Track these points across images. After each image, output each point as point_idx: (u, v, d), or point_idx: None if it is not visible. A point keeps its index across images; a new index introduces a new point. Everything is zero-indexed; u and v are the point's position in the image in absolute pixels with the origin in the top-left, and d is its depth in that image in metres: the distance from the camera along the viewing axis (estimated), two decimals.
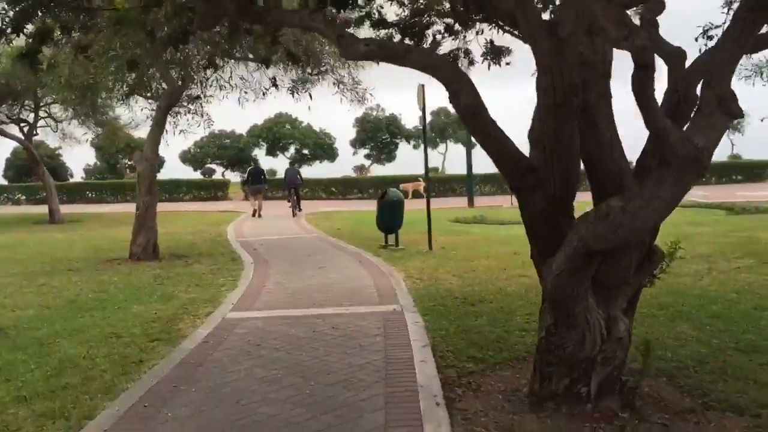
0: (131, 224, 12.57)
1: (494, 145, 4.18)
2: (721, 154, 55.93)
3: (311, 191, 33.92)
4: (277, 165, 55.01)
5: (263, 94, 14.00)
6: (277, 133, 53.77)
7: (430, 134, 56.70)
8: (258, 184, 23.76)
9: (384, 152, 58.10)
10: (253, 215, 23.08)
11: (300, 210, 23.89)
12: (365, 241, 14.16)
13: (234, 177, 58.27)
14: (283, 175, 27.89)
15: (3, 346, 6.03)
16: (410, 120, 61.07)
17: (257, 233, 17.36)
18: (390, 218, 12.57)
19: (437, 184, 33.28)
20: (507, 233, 14.72)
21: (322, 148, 56.76)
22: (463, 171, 32.17)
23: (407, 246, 12.73)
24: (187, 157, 56.38)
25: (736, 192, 27.28)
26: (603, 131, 4.12)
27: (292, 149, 56.79)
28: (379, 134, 56.62)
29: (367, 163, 58.18)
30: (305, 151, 57.17)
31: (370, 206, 29.36)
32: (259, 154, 57.69)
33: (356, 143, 57.88)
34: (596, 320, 3.98)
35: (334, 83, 13.97)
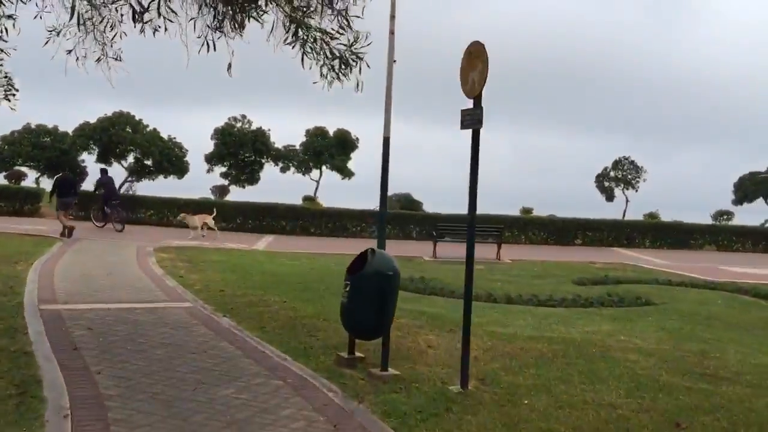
0: None
1: None
2: (622, 212, 56.05)
3: (157, 215, 26.41)
4: (111, 175, 45.55)
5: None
6: (113, 135, 44.58)
7: (303, 157, 51.00)
8: (68, 197, 20.35)
9: (245, 172, 51.09)
10: (62, 235, 18.94)
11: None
12: (296, 335, 8.13)
13: (49, 186, 47.78)
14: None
15: None
16: (281, 137, 54.73)
17: (78, 290, 10.39)
18: (377, 311, 6.60)
19: (318, 218, 27.37)
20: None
21: (170, 159, 48.40)
22: (342, 202, 27.28)
23: (399, 365, 6.88)
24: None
25: (718, 266, 22.74)
26: None
27: (131, 157, 47.76)
28: (241, 150, 49.59)
29: (225, 182, 50.72)
30: (147, 162, 48.40)
31: (244, 241, 23.12)
32: (88, 159, 47.92)
33: (213, 158, 50.24)
34: None
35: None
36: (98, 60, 8.25)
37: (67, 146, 45.50)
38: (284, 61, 7.89)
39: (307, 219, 26.96)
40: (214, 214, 22.87)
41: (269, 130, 50.37)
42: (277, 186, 52.39)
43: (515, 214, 29.56)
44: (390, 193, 45.88)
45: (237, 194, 44.36)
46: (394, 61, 21.22)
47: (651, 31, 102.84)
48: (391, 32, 20.54)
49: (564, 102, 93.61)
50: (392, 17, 20.61)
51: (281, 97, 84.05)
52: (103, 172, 25.18)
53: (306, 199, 39.45)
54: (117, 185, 28.65)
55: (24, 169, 47.11)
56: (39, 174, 47.49)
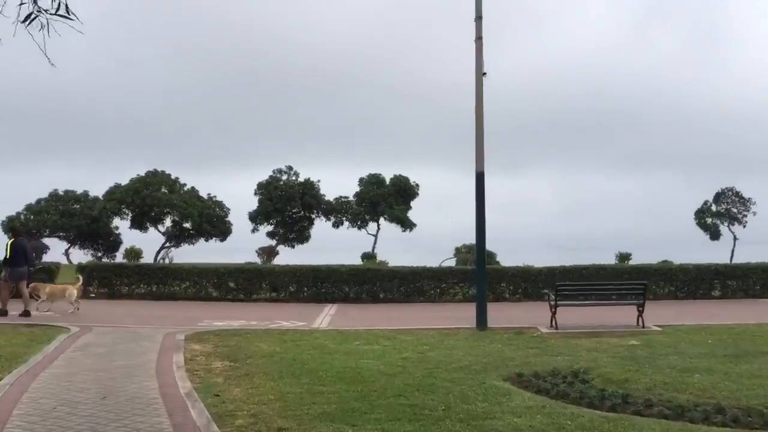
0: None
1: None
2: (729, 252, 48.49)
3: (194, 287, 22.69)
4: (147, 242, 42.86)
5: None
6: (148, 197, 42.01)
7: (357, 209, 47.35)
8: (18, 266, 16.93)
9: (294, 230, 47.71)
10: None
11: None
12: None
13: (80, 257, 45.28)
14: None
15: None
16: (331, 189, 51.35)
17: None
18: None
19: (387, 281, 22.96)
20: None
21: (211, 221, 45.50)
22: (408, 258, 22.98)
23: None
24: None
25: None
26: None
27: (168, 221, 45.17)
28: (289, 206, 46.33)
29: (272, 242, 47.36)
30: (186, 224, 45.64)
31: (302, 315, 19.20)
32: (122, 226, 45.51)
33: (258, 216, 47.12)
34: None
35: None
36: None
37: (97, 212, 43.08)
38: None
39: (374, 282, 22.78)
40: (80, 282, 19.15)
41: (318, 181, 47.22)
42: (330, 243, 48.88)
43: (611, 263, 24.62)
44: (458, 244, 41.38)
45: (286, 255, 40.76)
46: (484, 73, 17.04)
47: (691, 61, 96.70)
48: (479, 38, 16.78)
49: (604, 141, 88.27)
50: (478, 18, 16.88)
51: (329, 148, 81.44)
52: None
53: (366, 257, 35.43)
54: (155, 251, 25.36)
55: (51, 240, 44.86)
56: (69, 245, 45.18)
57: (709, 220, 48.85)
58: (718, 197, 48.76)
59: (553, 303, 15.89)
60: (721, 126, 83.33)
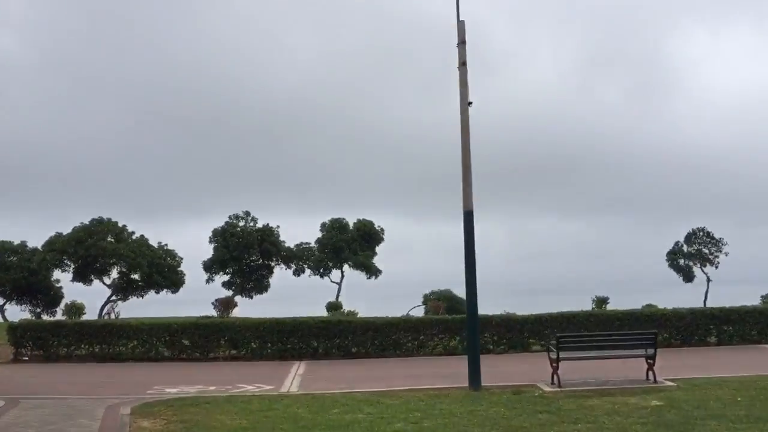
0: None
1: None
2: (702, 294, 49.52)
3: (143, 346, 20.41)
4: (91, 295, 40.10)
5: None
6: (92, 246, 39.39)
7: (320, 255, 45.47)
8: None
9: (252, 279, 45.47)
10: None
11: None
12: None
13: (17, 313, 41.99)
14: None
15: None
16: (292, 236, 49.23)
17: None
18: None
19: (359, 334, 21.14)
20: None
21: (162, 271, 42.97)
22: (371, 308, 21.58)
23: None
24: None
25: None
26: None
27: (114, 272, 42.42)
28: (246, 254, 44.19)
29: (228, 293, 44.88)
30: (135, 275, 42.94)
31: (267, 376, 17.18)
32: (63, 279, 42.57)
33: (213, 265, 44.79)
34: None
35: None
36: None
37: (36, 264, 40.12)
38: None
39: (345, 336, 20.92)
40: None
41: (278, 227, 45.33)
42: (291, 292, 46.83)
43: (588, 309, 23.25)
44: (426, 290, 39.70)
45: (244, 307, 38.39)
46: (470, 103, 15.87)
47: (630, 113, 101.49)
48: (462, 64, 15.61)
49: (553, 185, 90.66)
50: (461, 43, 15.74)
51: (287, 195, 79.91)
52: None
53: (332, 307, 33.50)
54: (100, 305, 23.03)
55: None
56: (3, 301, 41.84)
57: (681, 262, 48.60)
58: (690, 238, 48.71)
59: (554, 356, 14.40)
60: (662, 169, 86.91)
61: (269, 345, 20.55)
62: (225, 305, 30.23)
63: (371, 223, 45.60)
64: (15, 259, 41.16)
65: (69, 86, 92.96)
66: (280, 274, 46.16)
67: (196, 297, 54.53)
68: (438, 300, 37.00)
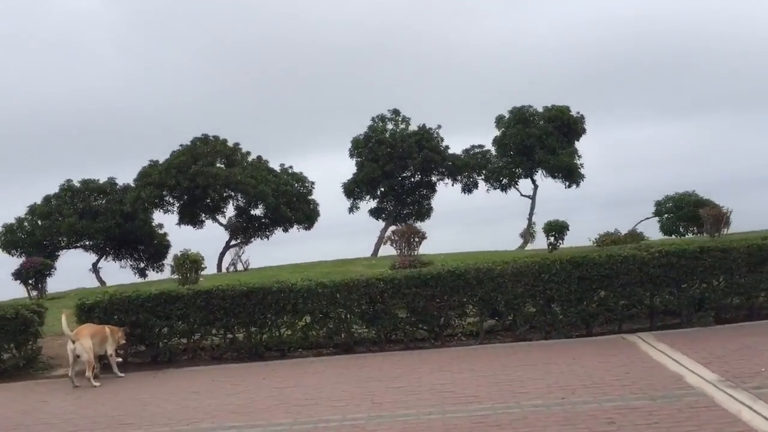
0: None
1: None
2: None
3: (322, 324, 10.96)
4: (202, 243, 31.98)
5: None
6: (198, 175, 30.87)
7: (501, 162, 35.00)
8: None
9: (408, 201, 35.88)
10: None
11: None
12: None
13: (115, 273, 34.81)
14: None
15: None
16: (454, 140, 38.80)
17: None
18: None
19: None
20: None
21: (290, 203, 34.17)
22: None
23: None
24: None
25: None
26: None
27: (230, 208, 34.13)
28: (403, 165, 34.32)
29: (378, 224, 35.57)
30: (256, 211, 34.49)
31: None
32: (167, 222, 35.08)
33: (355, 189, 35.45)
34: None
35: None
36: None
37: (130, 206, 32.19)
38: None
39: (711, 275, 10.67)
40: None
41: (438, 127, 35.03)
42: (461, 216, 37.36)
43: None
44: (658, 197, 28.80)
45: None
46: None
47: None
48: None
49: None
50: None
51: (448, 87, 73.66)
52: None
53: (553, 228, 23.54)
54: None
55: (72, 253, 34.19)
56: (97, 258, 34.59)
57: None
58: None
59: None
60: None
61: (577, 304, 10.63)
62: (404, 236, 20.50)
63: (566, 109, 34.40)
64: (103, 201, 33.58)
65: (152, 42, 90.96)
66: (444, 193, 36.34)
67: (336, 233, 46.33)
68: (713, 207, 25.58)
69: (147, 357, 11.36)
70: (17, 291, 22.18)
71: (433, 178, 35.49)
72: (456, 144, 38.21)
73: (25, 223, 32.85)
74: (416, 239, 20.71)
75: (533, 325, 11.15)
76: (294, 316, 11.16)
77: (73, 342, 9.73)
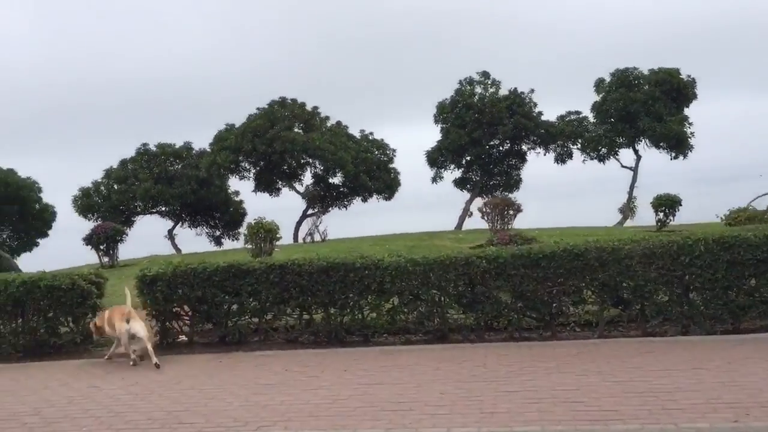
0: None
1: None
2: None
3: (410, 305, 9.56)
4: (278, 212, 31.16)
5: None
6: (275, 139, 29.93)
7: (600, 129, 32.59)
8: None
9: (494, 173, 34.00)
10: None
11: None
12: None
13: (191, 240, 34.62)
14: None
15: None
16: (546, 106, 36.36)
17: None
18: None
19: None
20: None
21: (370, 171, 32.91)
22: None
23: None
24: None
25: None
26: None
27: (308, 174, 33.17)
28: (493, 132, 32.41)
29: (463, 196, 33.88)
30: (334, 179, 33.42)
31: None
32: (243, 189, 34.48)
33: (439, 157, 33.79)
34: None
35: None
36: None
37: (205, 172, 31.63)
38: None
39: None
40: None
41: (531, 91, 32.83)
42: (553, 190, 35.16)
43: None
44: None
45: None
46: None
47: None
48: None
49: None
50: None
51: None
52: None
53: (665, 201, 21.40)
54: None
55: (147, 219, 34.11)
56: (173, 223, 34.40)
57: None
58: None
59: None
60: None
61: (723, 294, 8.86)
62: (498, 207, 18.79)
63: (675, 72, 31.53)
64: (179, 167, 33.23)
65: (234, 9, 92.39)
66: (535, 163, 34.25)
67: (417, 204, 44.98)
68: None
69: (214, 337, 10.27)
70: (90, 257, 21.85)
71: (524, 147, 33.42)
72: (550, 110, 36.03)
73: (102, 188, 32.93)
74: (510, 212, 19.02)
75: (667, 317, 9.41)
76: (380, 297, 9.79)
77: (128, 321, 8.92)
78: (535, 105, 32.57)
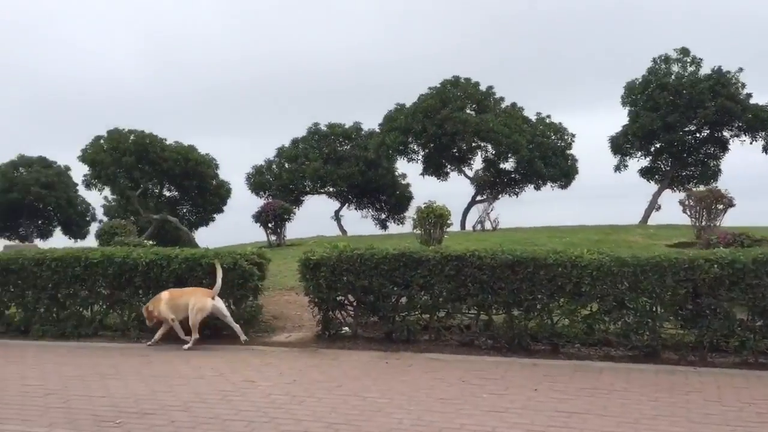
0: None
1: None
2: None
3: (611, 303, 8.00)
4: (446, 197, 30.41)
5: None
6: (446, 121, 28.74)
7: None
8: None
9: (695, 154, 30.71)
10: None
11: None
12: None
13: (356, 222, 34.56)
14: None
15: None
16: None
17: None
18: None
19: None
20: None
21: (545, 157, 30.85)
22: None
23: None
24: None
25: None
26: None
27: (477, 159, 31.76)
28: (691, 115, 29.20)
29: (650, 186, 30.96)
30: (506, 164, 31.75)
31: None
32: (410, 172, 33.69)
33: (626, 143, 31.00)
34: None
35: None
36: None
37: (373, 153, 31.18)
38: None
39: None
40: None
41: (740, 70, 29.13)
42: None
43: None
44: None
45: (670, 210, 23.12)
46: None
47: None
48: None
49: None
50: None
51: None
52: None
53: None
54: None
55: (315, 199, 34.34)
56: (340, 204, 34.38)
57: None
58: None
59: None
60: None
61: None
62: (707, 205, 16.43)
63: None
64: (348, 147, 33.11)
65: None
66: (739, 152, 30.52)
67: (594, 194, 42.21)
68: None
69: (380, 331, 9.27)
70: (259, 234, 21.96)
71: (726, 134, 29.81)
72: (762, 92, 31.76)
73: (273, 166, 33.56)
74: (719, 207, 16.49)
75: None
76: (575, 301, 8.29)
77: (213, 298, 9.06)
78: (743, 86, 28.87)
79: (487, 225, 23.94)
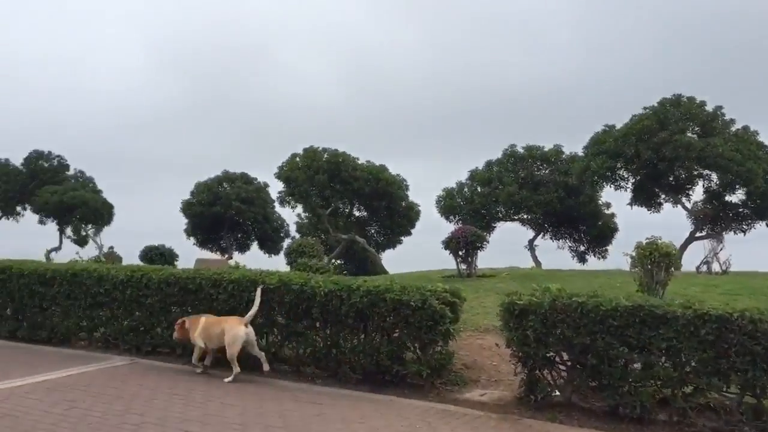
0: None
1: None
2: None
3: None
4: (659, 228, 27.63)
5: None
6: (663, 145, 25.65)
7: None
8: None
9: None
10: None
11: None
12: None
13: (550, 253, 32.20)
14: None
15: None
16: None
17: None
18: None
19: None
20: None
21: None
22: None
23: None
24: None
25: None
26: None
27: (699, 188, 28.08)
28: None
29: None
30: (732, 196, 27.80)
31: None
32: (616, 199, 30.67)
33: None
34: None
35: None
36: None
37: (576, 179, 28.62)
38: None
39: None
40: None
41: None
42: None
43: None
44: None
45: None
46: None
47: None
48: None
49: None
50: None
51: None
52: None
53: None
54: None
55: (509, 225, 32.33)
56: (535, 233, 32.09)
57: None
58: None
59: None
60: None
61: None
62: None
63: None
64: (546, 171, 30.88)
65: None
66: None
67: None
68: None
69: (601, 402, 7.32)
70: (448, 261, 20.55)
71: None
72: None
73: (465, 189, 32.18)
74: None
75: None
76: None
77: (246, 326, 8.62)
78: None
79: (715, 266, 20.69)
